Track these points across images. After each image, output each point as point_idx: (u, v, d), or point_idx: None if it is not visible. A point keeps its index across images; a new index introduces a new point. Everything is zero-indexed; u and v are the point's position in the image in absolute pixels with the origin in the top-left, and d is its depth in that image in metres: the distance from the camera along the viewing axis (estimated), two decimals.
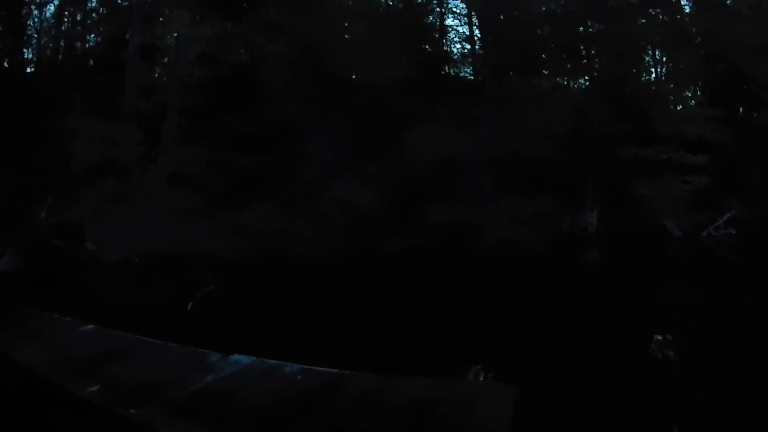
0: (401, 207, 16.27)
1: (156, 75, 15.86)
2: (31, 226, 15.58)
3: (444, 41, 21.75)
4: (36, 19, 22.39)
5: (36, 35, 22.00)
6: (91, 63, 18.47)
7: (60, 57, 20.87)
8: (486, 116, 17.90)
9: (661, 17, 22.31)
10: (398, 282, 12.53)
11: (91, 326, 6.66)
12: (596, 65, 19.72)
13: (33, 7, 21.94)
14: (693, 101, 21.46)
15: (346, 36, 17.74)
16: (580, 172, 18.85)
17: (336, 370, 4.91)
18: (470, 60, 21.93)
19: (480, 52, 21.87)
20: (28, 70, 22.02)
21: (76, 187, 15.46)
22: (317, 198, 16.04)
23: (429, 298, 10.94)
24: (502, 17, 21.02)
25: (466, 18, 22.25)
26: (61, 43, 21.27)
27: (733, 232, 19.19)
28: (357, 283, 12.26)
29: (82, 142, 15.12)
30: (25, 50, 21.59)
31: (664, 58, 22.48)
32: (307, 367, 5.08)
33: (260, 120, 16.15)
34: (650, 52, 22.19)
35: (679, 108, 21.18)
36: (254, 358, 5.50)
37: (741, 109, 23.83)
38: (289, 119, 16.49)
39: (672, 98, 21.20)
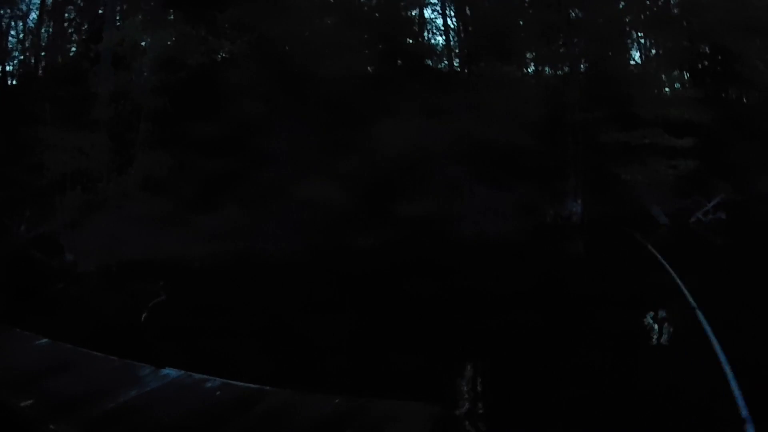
0: (372, 202, 15.90)
1: (124, 82, 15.71)
2: (10, 238, 15.61)
3: (415, 31, 21.35)
4: (11, 32, 22.34)
5: (10, 47, 21.95)
6: (64, 73, 18.38)
7: (32, 68, 20.80)
8: (459, 106, 17.32)
9: None
10: (370, 279, 12.52)
11: (45, 340, 6.81)
12: (575, 49, 19.27)
13: (6, 19, 21.86)
14: (677, 83, 21.11)
15: (311, 30, 17.39)
16: (561, 159, 18.35)
17: (256, 386, 4.90)
18: (443, 49, 21.62)
19: (453, 40, 21.61)
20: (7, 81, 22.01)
21: (52, 198, 15.42)
22: (285, 197, 15.67)
23: (399, 296, 10.84)
24: (477, 3, 20.70)
25: (439, 6, 22.01)
26: (33, 55, 21.18)
27: (723, 216, 18.75)
28: (327, 282, 12.20)
29: (56, 152, 15.02)
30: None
31: (646, 40, 22.12)
32: (229, 382, 5.09)
33: (226, 121, 15.85)
34: (631, 34, 21.76)
35: (662, 90, 20.76)
36: (183, 372, 5.49)
37: (727, 88, 23.47)
38: (255, 118, 16.11)
39: (655, 80, 20.73)
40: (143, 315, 9.32)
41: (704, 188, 19.10)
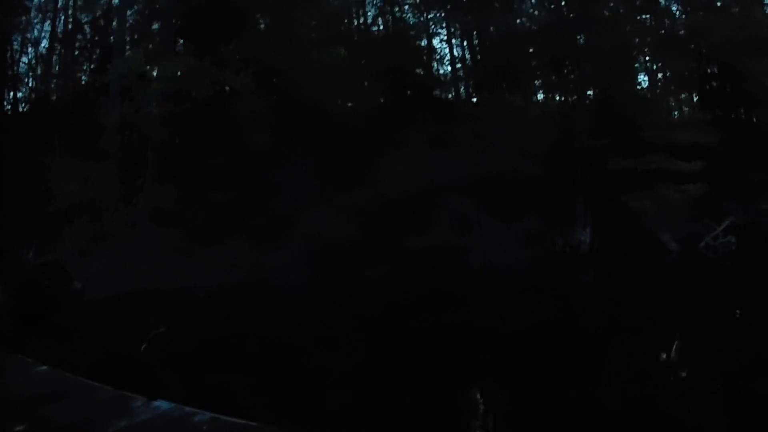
0: (380, 234, 15.84)
1: (131, 112, 15.89)
2: (20, 265, 15.74)
3: (424, 61, 21.47)
4: (23, 61, 22.72)
5: (22, 74, 22.31)
6: (73, 102, 18.64)
7: (43, 95, 21.10)
8: (466, 137, 17.40)
9: (649, 22, 21.89)
10: (377, 312, 12.43)
11: (44, 367, 7.00)
12: (582, 76, 19.26)
13: (17, 48, 22.25)
14: (685, 106, 20.96)
15: (318, 62, 17.46)
16: (568, 188, 18.36)
17: (243, 422, 4.91)
18: (450, 79, 21.67)
19: (461, 71, 21.68)
20: (18, 108, 22.33)
21: (61, 226, 15.56)
22: (292, 229, 15.77)
23: (408, 330, 10.73)
24: (485, 33, 20.78)
25: (446, 38, 22.12)
26: (44, 83, 21.48)
27: (733, 240, 18.48)
28: (332, 315, 12.18)
29: (64, 181, 15.20)
30: (10, 92, 21.84)
31: (653, 63, 22.04)
32: (218, 416, 5.13)
33: (233, 153, 15.98)
34: (638, 58, 21.72)
35: (670, 114, 20.61)
36: (173, 405, 5.52)
37: (735, 109, 23.26)
38: (262, 150, 16.20)
39: (662, 104, 20.63)
40: (143, 346, 9.30)
41: (713, 211, 18.88)
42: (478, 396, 7.95)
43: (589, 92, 20.04)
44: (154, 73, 16.33)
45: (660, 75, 21.32)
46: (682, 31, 22.44)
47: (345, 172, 16.60)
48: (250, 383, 7.96)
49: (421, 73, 20.83)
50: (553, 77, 20.01)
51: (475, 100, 20.24)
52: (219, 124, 17.01)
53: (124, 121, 15.66)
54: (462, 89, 21.23)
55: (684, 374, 8.56)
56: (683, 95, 21.12)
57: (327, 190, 16.29)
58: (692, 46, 21.82)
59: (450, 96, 21.02)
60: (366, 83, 17.31)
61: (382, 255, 15.64)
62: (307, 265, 15.33)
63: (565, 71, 19.49)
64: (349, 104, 16.94)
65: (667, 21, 22.48)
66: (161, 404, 5.47)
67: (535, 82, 21.02)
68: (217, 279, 14.01)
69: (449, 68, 22.14)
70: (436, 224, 16.43)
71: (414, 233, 16.13)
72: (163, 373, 7.90)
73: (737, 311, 11.42)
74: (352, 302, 13.41)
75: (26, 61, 22.88)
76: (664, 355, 9.44)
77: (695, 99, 21.43)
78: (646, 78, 21.10)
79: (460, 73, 21.70)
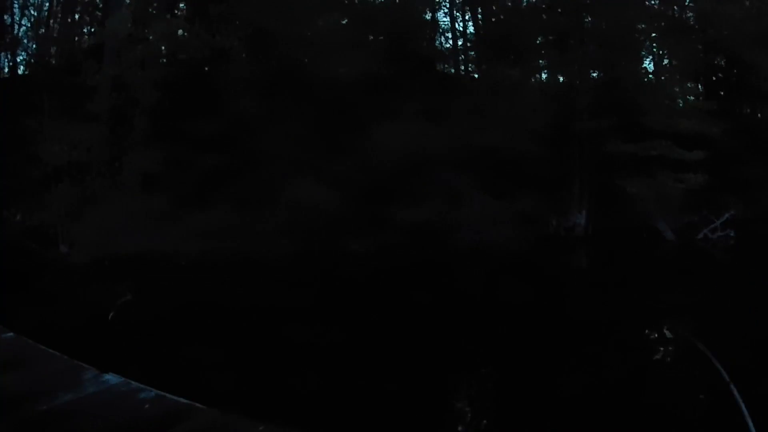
0: (369, 206, 15.48)
1: (120, 75, 15.59)
2: (6, 227, 15.62)
3: (425, 34, 20.92)
4: (22, 23, 22.35)
5: (20, 37, 21.95)
6: (65, 64, 18.31)
7: (40, 58, 20.79)
8: (463, 110, 16.92)
9: (656, 5, 21.36)
10: (362, 285, 12.32)
11: (11, 334, 6.75)
12: (586, 56, 18.75)
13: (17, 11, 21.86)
14: (690, 95, 20.46)
15: (313, 27, 17.00)
16: (566, 169, 17.98)
17: (186, 401, 4.66)
18: (451, 53, 21.17)
19: (461, 44, 21.19)
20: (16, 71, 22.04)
21: (49, 189, 15.39)
22: (280, 197, 15.45)
23: (391, 304, 10.62)
24: (489, 7, 20.20)
25: (449, 10, 21.58)
26: (42, 46, 21.16)
27: (732, 234, 18.13)
28: (315, 286, 12.03)
29: (51, 144, 14.98)
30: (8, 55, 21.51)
31: (660, 49, 21.51)
32: (164, 394, 4.87)
33: (222, 118, 15.61)
34: (645, 42, 21.14)
35: (674, 101, 20.14)
36: (122, 380, 5.22)
37: (741, 102, 22.82)
38: (252, 116, 15.79)
39: (666, 91, 20.16)
40: (111, 314, 9.14)
41: (713, 204, 18.50)
42: (461, 374, 7.74)
43: (593, 74, 19.48)
44: (140, 36, 15.98)
45: (666, 62, 20.82)
46: (692, 19, 21.98)
47: (336, 140, 16.17)
48: (214, 357, 7.54)
49: (422, 44, 20.30)
50: (557, 55, 19.47)
51: (473, 74, 19.72)
52: (209, 88, 16.57)
53: (112, 83, 15.41)
54: (462, 63, 20.78)
55: (664, 363, 8.43)
56: (689, 84, 20.59)
57: (316, 159, 15.90)
58: (701, 34, 21.37)
59: (448, 69, 20.51)
60: (363, 52, 16.85)
61: (370, 227, 15.40)
62: (293, 234, 15.16)
63: (569, 50, 18.94)
64: (344, 72, 16.39)
65: (676, 7, 21.93)
66: (111, 378, 5.22)
67: (539, 60, 20.50)
68: (201, 245, 13.82)
69: (450, 41, 21.67)
70: (427, 198, 16.01)
71: (404, 206, 15.73)
72: (122, 343, 7.68)
73: (729, 305, 10.94)
74: (337, 274, 13.22)
75: (26, 24, 22.56)
76: (646, 344, 9.26)
77: (700, 88, 20.93)
78: (651, 63, 20.63)
79: (461, 46, 21.28)
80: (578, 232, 18.08)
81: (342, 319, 9.75)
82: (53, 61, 19.08)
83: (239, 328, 8.94)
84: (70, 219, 14.96)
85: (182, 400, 4.67)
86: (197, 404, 4.55)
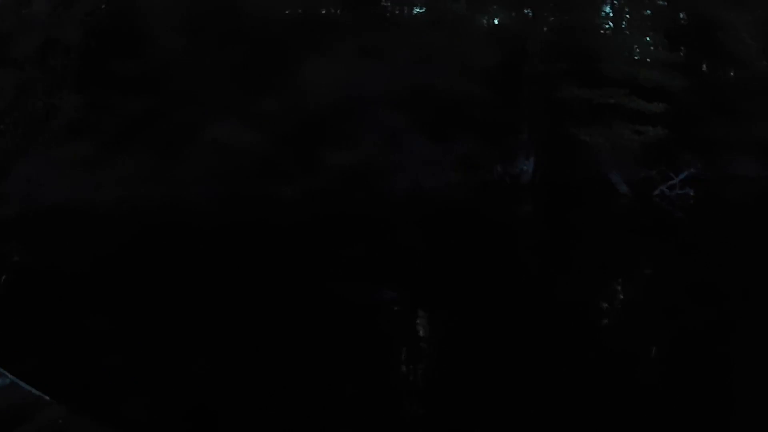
0: (297, 148, 14.39)
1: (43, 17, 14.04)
2: None
3: None
4: None
5: None
6: None
7: None
8: (402, 47, 15.52)
9: None
10: (289, 233, 11.31)
11: None
12: None
13: None
14: (651, 46, 19.19)
15: None
16: (513, 113, 16.65)
17: (37, 393, 4.42)
18: None
19: None
20: None
21: None
22: (204, 140, 14.27)
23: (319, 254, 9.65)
24: None
25: None
26: None
27: (691, 192, 17.00)
28: (238, 234, 11.05)
29: None
30: None
31: None
32: (18, 382, 4.60)
33: (147, 58, 14.46)
34: None
35: (633, 49, 18.88)
36: None
37: (705, 59, 21.77)
38: (175, 55, 14.63)
39: (626, 40, 18.92)
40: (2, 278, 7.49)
41: (672, 161, 17.34)
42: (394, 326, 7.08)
43: (549, 16, 18.01)
44: None
45: (627, 10, 19.50)
46: None
47: (264, 79, 14.91)
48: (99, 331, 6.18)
49: None
50: None
51: (418, 9, 18.15)
52: (131, 27, 15.26)
53: (30, 27, 13.80)
54: None
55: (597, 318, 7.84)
56: (651, 34, 19.33)
57: (242, 98, 14.63)
58: None
59: (387, 3, 18.89)
60: None
61: (299, 171, 14.42)
62: (217, 179, 14.14)
63: None
64: (277, 7, 15.04)
65: None
66: None
67: None
68: (122, 192, 13.13)
69: None
70: (361, 140, 14.70)
71: (335, 149, 14.50)
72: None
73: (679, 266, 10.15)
74: (263, 222, 12.20)
75: None
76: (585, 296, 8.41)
77: (664, 41, 19.70)
78: (611, 10, 19.23)
79: None
80: (524, 181, 16.79)
81: (263, 272, 8.69)
82: None
83: (144, 291, 7.73)
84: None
85: (34, 391, 4.40)
86: (45, 397, 4.30)
